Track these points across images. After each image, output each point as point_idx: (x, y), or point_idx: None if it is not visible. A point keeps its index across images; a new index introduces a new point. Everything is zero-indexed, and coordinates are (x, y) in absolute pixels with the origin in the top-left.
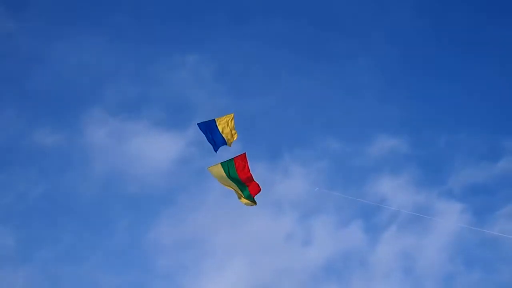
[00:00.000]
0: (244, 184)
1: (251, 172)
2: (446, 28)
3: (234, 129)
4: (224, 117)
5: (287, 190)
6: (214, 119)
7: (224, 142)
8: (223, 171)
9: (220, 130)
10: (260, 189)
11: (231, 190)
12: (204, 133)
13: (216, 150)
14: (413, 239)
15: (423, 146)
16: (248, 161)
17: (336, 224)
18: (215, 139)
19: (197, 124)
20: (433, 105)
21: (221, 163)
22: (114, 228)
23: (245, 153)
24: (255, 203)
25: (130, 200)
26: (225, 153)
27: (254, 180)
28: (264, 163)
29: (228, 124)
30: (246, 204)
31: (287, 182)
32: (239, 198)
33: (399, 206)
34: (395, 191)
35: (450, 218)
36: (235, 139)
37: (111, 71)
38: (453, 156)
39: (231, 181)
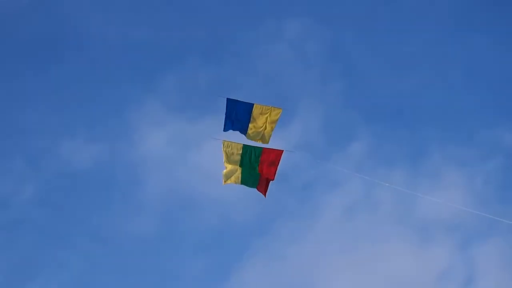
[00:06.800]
0: (257, 176)
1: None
2: None
3: (275, 124)
4: (268, 107)
5: (438, 207)
6: (253, 104)
7: (243, 130)
8: (239, 153)
9: (252, 119)
10: (266, 191)
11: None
12: (227, 110)
13: (226, 130)
14: None
15: None
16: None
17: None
18: (237, 121)
19: (227, 99)
20: None
21: (244, 144)
22: (181, 277)
23: (282, 151)
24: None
25: (202, 235)
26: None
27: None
28: (402, 168)
29: (269, 119)
30: (225, 177)
31: (438, 194)
32: (225, 168)
33: None
34: None
35: None
36: (268, 138)
37: (172, 47)
38: None
39: (240, 166)
